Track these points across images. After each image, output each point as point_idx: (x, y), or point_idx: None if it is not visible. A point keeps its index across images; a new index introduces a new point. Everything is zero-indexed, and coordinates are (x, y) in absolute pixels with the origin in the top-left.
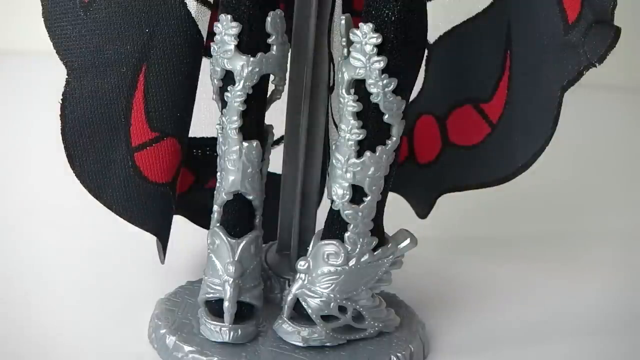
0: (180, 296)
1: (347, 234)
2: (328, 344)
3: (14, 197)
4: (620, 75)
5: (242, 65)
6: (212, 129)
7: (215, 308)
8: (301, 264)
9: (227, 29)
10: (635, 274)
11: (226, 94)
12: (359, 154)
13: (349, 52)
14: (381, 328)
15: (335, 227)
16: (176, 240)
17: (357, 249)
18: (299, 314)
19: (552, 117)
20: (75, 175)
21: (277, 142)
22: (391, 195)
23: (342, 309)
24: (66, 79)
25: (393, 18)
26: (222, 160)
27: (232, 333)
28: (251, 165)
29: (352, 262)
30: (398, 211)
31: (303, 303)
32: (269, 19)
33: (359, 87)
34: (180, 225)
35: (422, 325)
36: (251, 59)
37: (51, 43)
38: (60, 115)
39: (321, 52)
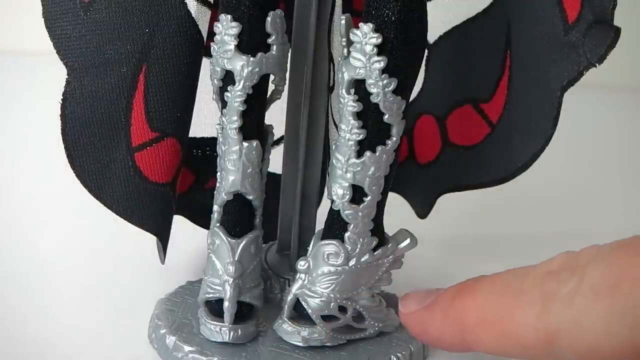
0: (180, 296)
1: (347, 234)
2: (328, 344)
3: (14, 197)
4: (620, 75)
5: (242, 65)
6: (212, 129)
7: (215, 308)
8: (301, 264)
9: (227, 29)
10: None
11: (226, 94)
12: (359, 154)
13: (349, 52)
14: (381, 328)
15: (336, 227)
16: (176, 240)
17: (357, 249)
18: (299, 314)
19: (552, 117)
20: (75, 175)
21: (277, 142)
22: (391, 195)
23: (342, 309)
24: (66, 79)
25: (393, 18)
26: (222, 160)
27: (232, 333)
28: (251, 165)
29: (352, 262)
30: (398, 211)
31: (303, 303)
32: (269, 19)
33: (359, 87)
34: (180, 225)
35: None
36: (251, 59)
37: (51, 43)
38: (61, 115)
39: (321, 52)
